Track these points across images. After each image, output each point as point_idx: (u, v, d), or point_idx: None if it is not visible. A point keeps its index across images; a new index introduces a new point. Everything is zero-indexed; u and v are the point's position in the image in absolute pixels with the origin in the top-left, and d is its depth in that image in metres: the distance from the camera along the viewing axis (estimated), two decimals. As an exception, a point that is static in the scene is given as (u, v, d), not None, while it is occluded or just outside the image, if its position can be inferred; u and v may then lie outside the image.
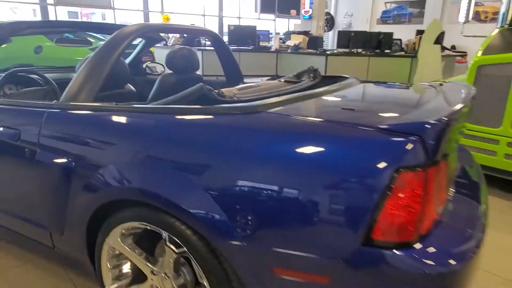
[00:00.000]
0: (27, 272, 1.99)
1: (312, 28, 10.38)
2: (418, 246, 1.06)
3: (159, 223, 1.30)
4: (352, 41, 6.51)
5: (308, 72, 2.43)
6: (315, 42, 7.73)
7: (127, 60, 3.33)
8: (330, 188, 1.08)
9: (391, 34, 6.71)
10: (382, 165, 1.05)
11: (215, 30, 7.74)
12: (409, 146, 1.06)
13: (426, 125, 1.09)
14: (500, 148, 2.98)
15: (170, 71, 2.52)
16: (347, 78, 2.13)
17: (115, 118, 1.45)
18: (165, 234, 1.31)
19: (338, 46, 6.67)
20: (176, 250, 1.29)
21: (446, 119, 1.15)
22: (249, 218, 1.14)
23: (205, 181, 1.20)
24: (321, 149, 1.11)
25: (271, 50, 7.46)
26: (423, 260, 1.04)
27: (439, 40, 5.36)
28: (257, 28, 7.93)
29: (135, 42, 3.03)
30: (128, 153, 1.35)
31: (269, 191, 1.12)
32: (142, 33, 1.95)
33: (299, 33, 8.39)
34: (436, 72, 3.44)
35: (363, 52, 6.51)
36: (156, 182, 1.27)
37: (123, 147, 1.38)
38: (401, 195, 1.04)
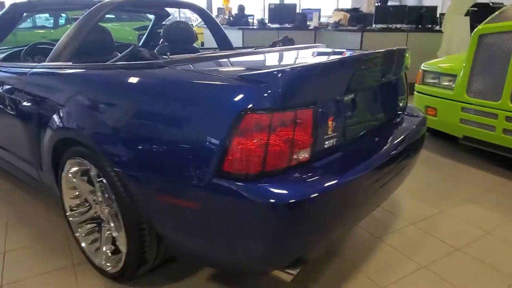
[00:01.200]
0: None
1: (363, 4, 10.01)
2: (263, 181, 1.23)
3: (87, 157, 1.61)
4: (391, 16, 6.25)
5: (282, 41, 2.58)
6: (360, 19, 7.53)
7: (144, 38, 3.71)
8: (191, 125, 1.30)
9: (434, 8, 6.29)
10: (231, 106, 1.23)
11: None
12: (256, 92, 1.22)
13: (274, 74, 1.23)
14: (498, 122, 2.82)
15: (166, 43, 2.81)
16: (316, 46, 2.41)
17: (68, 74, 1.80)
18: (91, 167, 1.62)
19: (376, 21, 6.45)
20: (97, 179, 1.60)
21: (296, 71, 1.28)
22: (133, 151, 1.40)
23: (111, 123, 1.47)
24: (189, 92, 1.34)
25: (310, 28, 7.42)
26: (258, 192, 1.21)
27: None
28: (304, 7, 7.92)
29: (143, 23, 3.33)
30: (69, 101, 1.68)
31: (145, 129, 1.37)
32: (115, 8, 2.24)
33: (342, 10, 8.19)
34: (465, 45, 3.30)
35: (402, 27, 6.23)
36: (82, 123, 1.58)
37: (67, 96, 1.71)
38: (246, 133, 1.21)
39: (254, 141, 1.21)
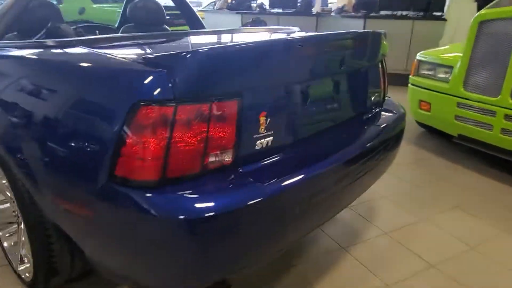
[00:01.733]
0: None
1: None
2: (163, 189, 0.99)
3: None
4: (397, 2, 5.86)
5: (252, 23, 2.36)
6: (366, 5, 7.12)
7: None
8: (85, 118, 1.05)
9: (444, -7, 5.87)
10: (125, 97, 0.98)
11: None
12: (155, 79, 0.96)
13: (178, 57, 0.97)
14: (496, 121, 2.51)
15: (132, 24, 2.56)
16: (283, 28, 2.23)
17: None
18: None
19: (381, 7, 6.07)
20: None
21: (209, 54, 1.02)
22: (24, 146, 1.17)
23: (7, 112, 1.24)
24: (85, 78, 1.10)
25: (312, 13, 7.06)
26: (158, 204, 0.97)
27: None
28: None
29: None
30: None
31: (34, 120, 1.13)
32: None
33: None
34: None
35: (408, 14, 5.83)
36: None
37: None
38: (141, 130, 0.96)
39: (151, 139, 0.96)
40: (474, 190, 2.52)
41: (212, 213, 0.97)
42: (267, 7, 7.65)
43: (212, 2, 9.70)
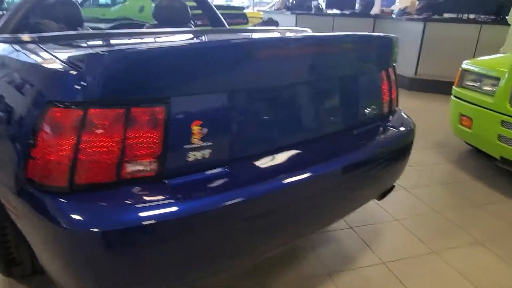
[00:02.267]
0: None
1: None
2: (72, 196, 0.94)
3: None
4: (464, 3, 5.29)
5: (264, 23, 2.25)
6: (432, 7, 6.55)
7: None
8: (13, 115, 1.04)
9: (521, -5, 5.15)
10: (40, 97, 0.95)
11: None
12: (66, 79, 0.92)
13: (92, 58, 0.91)
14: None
15: (156, 22, 2.59)
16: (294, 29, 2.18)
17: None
18: None
19: (445, 10, 5.53)
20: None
21: (127, 55, 0.95)
22: None
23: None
24: (16, 75, 1.11)
25: (370, 15, 6.67)
26: (61, 211, 0.92)
27: None
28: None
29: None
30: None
31: None
32: None
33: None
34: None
35: (475, 18, 5.24)
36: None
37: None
38: (50, 133, 0.92)
39: (58, 143, 0.91)
40: (509, 226, 2.16)
41: (107, 228, 0.90)
42: (324, 8, 7.40)
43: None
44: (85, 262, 0.95)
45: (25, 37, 1.35)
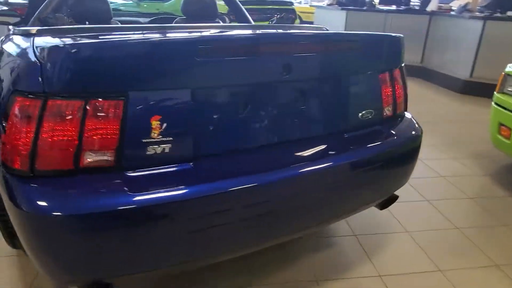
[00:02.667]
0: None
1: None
2: (32, 181, 1.00)
3: None
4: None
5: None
6: (498, 3, 5.98)
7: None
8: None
9: None
10: (10, 86, 1.02)
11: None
12: (29, 71, 0.98)
13: (50, 51, 0.95)
14: None
15: (184, 17, 2.66)
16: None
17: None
18: None
19: (510, 7, 5.02)
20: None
21: (83, 48, 0.97)
22: None
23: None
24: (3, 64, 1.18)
25: (426, 12, 6.25)
26: (21, 194, 0.99)
27: None
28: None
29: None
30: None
31: None
32: None
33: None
34: None
35: (545, 17, 4.69)
36: None
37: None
38: (14, 120, 0.99)
39: (21, 130, 0.98)
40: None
41: (59, 213, 0.95)
42: (377, 4, 7.08)
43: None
44: (38, 244, 1.01)
45: (33, 30, 1.46)
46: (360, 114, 1.45)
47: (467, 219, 2.18)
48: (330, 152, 1.32)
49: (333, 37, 1.32)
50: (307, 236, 1.93)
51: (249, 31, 1.83)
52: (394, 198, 1.66)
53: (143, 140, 1.06)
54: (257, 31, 1.72)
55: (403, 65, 1.59)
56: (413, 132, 1.58)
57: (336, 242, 1.92)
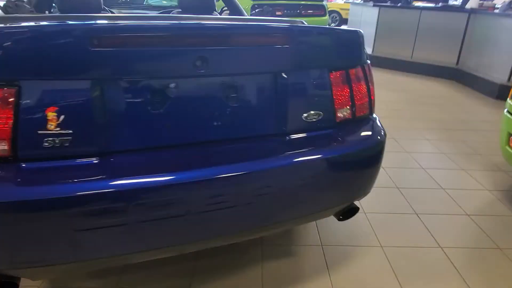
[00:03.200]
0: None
1: None
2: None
3: None
4: None
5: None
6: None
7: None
8: None
9: None
10: None
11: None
12: None
13: None
14: None
15: (179, 9, 2.63)
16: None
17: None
18: None
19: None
20: None
21: None
22: None
23: None
24: None
25: (465, 9, 5.78)
26: None
27: None
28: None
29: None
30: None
31: None
32: None
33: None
34: None
35: None
36: None
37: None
38: None
39: None
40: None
41: None
42: (413, 0, 6.68)
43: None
44: None
45: None
46: (303, 115, 1.32)
47: (456, 238, 1.96)
48: (259, 155, 1.21)
49: (259, 30, 1.20)
50: (266, 244, 1.83)
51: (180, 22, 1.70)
52: (353, 209, 1.52)
53: (39, 132, 1.02)
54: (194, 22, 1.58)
55: (366, 64, 1.43)
56: (373, 138, 1.42)
57: (298, 251, 1.80)
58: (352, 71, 1.38)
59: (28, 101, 0.99)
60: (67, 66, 1.01)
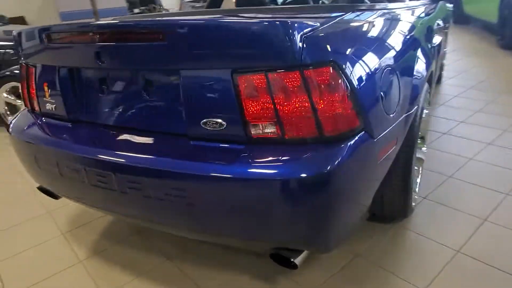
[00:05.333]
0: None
1: None
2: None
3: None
4: None
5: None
6: None
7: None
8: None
9: None
10: None
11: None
12: None
13: None
14: None
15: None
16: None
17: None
18: None
19: None
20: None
21: None
22: None
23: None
24: None
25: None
26: None
27: None
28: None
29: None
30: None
31: None
32: None
33: None
34: None
35: None
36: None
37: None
38: None
39: None
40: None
41: None
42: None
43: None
44: None
45: None
46: (202, 122, 1.15)
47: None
48: (143, 150, 1.26)
49: (134, 28, 1.18)
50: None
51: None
52: (285, 259, 1.21)
53: (44, 99, 1.49)
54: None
55: (317, 67, 1.05)
56: (303, 171, 1.04)
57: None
58: (274, 76, 1.05)
59: (41, 76, 1.44)
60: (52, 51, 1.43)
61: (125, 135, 1.35)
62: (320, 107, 1.07)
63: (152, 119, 1.30)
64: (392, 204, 1.69)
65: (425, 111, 1.82)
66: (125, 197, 1.26)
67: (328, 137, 1.09)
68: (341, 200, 1.12)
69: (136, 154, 1.24)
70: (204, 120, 1.16)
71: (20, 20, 7.85)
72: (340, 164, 1.05)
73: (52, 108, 1.49)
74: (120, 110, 1.38)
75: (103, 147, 1.30)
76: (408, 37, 1.62)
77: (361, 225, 1.79)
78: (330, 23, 1.19)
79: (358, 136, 1.13)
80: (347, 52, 1.16)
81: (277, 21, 1.01)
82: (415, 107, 1.54)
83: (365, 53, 1.24)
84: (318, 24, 1.11)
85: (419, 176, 2.04)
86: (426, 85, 1.74)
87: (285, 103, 1.08)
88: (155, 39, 1.12)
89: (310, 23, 1.08)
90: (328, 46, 1.09)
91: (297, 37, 1.00)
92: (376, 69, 1.24)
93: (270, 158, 1.09)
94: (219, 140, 1.17)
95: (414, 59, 1.59)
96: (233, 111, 1.11)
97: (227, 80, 1.09)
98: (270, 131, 1.12)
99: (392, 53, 1.38)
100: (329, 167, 1.03)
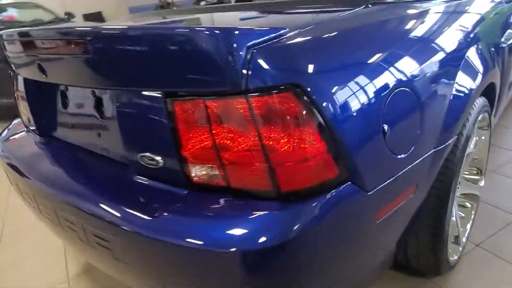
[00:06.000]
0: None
1: None
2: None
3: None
4: None
5: None
6: None
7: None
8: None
9: None
10: None
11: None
12: None
13: None
14: None
15: None
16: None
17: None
18: None
19: None
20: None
21: None
22: None
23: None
24: None
25: None
26: None
27: None
28: None
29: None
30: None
31: None
32: None
33: None
34: None
35: None
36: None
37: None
38: None
39: None
40: None
41: None
42: None
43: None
44: None
45: None
46: (138, 156, 0.91)
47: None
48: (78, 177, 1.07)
49: (57, 35, 0.96)
50: None
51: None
52: None
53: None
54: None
55: (264, 94, 0.73)
56: (246, 241, 0.73)
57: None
58: (213, 104, 0.76)
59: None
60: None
61: (82, 155, 1.17)
62: (272, 150, 0.75)
63: (103, 142, 1.10)
64: (419, 259, 1.28)
65: (477, 138, 1.35)
66: (66, 234, 1.07)
67: (288, 193, 0.77)
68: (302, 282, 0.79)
69: (76, 186, 1.03)
70: (141, 154, 0.91)
71: (98, 16, 8.36)
72: (302, 232, 0.73)
73: (27, 119, 1.39)
74: (77, 128, 1.21)
75: (52, 170, 1.15)
76: (449, 33, 1.16)
77: (380, 273, 1.31)
78: (308, 28, 0.85)
79: (339, 189, 0.79)
80: (325, 69, 0.80)
81: (216, 29, 0.72)
82: (452, 138, 1.09)
83: (360, 68, 0.85)
84: (287, 30, 0.79)
85: (471, 219, 1.55)
86: (481, 101, 1.27)
87: (228, 141, 0.78)
88: (79, 51, 0.90)
89: (270, 29, 0.76)
90: (291, 63, 0.76)
91: (242, 51, 0.71)
92: (378, 91, 0.85)
93: (209, 214, 0.81)
94: (160, 179, 0.91)
95: (456, 66, 1.10)
96: (168, 145, 0.84)
97: (159, 106, 0.83)
98: (212, 175, 0.83)
99: (411, 64, 0.96)
100: (282, 237, 0.72)
